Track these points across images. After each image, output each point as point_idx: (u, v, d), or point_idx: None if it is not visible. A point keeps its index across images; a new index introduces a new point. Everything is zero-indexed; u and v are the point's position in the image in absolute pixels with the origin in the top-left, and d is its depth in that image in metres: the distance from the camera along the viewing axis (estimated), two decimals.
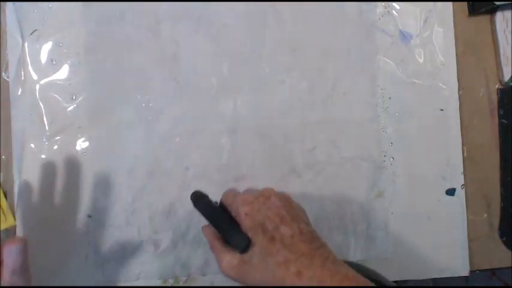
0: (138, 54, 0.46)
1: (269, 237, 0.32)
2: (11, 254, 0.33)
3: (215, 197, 0.47)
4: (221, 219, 0.35)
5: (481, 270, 0.49)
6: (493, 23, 0.49)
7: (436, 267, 0.48)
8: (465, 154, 0.49)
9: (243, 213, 0.33)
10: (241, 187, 0.46)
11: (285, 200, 0.35)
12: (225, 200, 0.37)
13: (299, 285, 0.30)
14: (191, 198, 0.37)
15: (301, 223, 0.33)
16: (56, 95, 0.46)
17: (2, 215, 0.46)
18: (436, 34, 0.48)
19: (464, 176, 0.48)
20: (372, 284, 0.31)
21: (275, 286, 0.31)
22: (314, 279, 0.30)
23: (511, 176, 0.49)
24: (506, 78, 0.49)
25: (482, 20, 0.49)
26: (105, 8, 0.46)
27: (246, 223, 0.33)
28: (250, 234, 0.33)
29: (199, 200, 0.37)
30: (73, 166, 0.46)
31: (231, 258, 0.33)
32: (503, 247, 0.49)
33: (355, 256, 0.48)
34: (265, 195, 0.34)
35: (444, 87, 0.48)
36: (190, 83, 0.47)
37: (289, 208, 0.34)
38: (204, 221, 0.37)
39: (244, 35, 0.47)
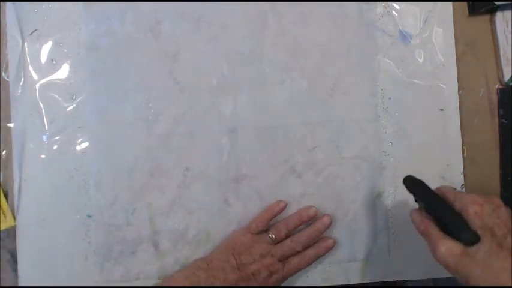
0: (138, 54, 0.46)
1: (497, 242, 0.32)
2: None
3: (214, 197, 0.47)
4: (446, 210, 0.35)
5: None
6: (493, 23, 0.49)
7: (436, 267, 0.48)
8: (465, 154, 0.49)
9: (472, 212, 0.34)
10: (242, 186, 0.46)
11: None
12: (445, 193, 0.37)
13: None
14: (405, 182, 0.38)
15: None
16: (55, 95, 0.46)
17: (2, 215, 0.46)
18: (436, 34, 0.48)
19: (464, 176, 0.48)
20: None
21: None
22: None
23: (511, 176, 0.49)
24: (506, 78, 0.49)
25: (482, 20, 0.49)
26: (105, 7, 0.46)
27: (475, 221, 0.33)
28: (479, 233, 0.33)
29: (418, 185, 0.37)
30: (73, 166, 0.46)
31: (452, 246, 0.33)
32: None
33: (355, 256, 0.48)
34: (495, 203, 0.35)
35: (444, 87, 0.48)
36: (190, 83, 0.47)
37: None
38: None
39: (244, 35, 0.47)
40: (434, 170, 0.48)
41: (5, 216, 0.46)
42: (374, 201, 0.48)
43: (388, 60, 0.48)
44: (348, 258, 0.48)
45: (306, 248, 0.44)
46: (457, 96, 0.48)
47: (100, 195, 0.46)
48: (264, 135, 0.47)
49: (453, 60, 0.49)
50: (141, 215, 0.46)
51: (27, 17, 0.46)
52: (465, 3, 0.49)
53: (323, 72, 0.48)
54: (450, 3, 0.49)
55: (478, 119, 0.49)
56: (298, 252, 0.44)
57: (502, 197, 0.49)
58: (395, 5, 0.48)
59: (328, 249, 0.45)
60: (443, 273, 0.48)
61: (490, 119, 0.49)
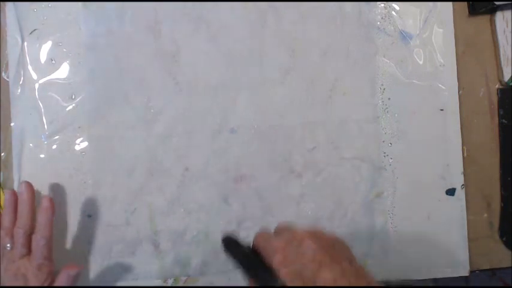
0: (138, 54, 0.46)
1: (310, 285, 0.29)
2: (68, 276, 0.41)
3: (213, 197, 0.47)
4: (255, 269, 0.32)
5: (481, 270, 0.49)
6: (493, 23, 0.49)
7: (436, 267, 0.48)
8: (465, 154, 0.49)
9: (277, 262, 0.31)
10: (242, 187, 0.46)
11: (321, 239, 0.31)
12: (257, 244, 0.34)
13: None
14: (222, 243, 0.34)
15: (343, 262, 0.30)
16: (55, 95, 0.46)
17: None
18: (435, 34, 0.48)
19: (464, 176, 0.48)
20: None
21: None
22: None
23: (511, 176, 0.49)
24: (506, 78, 0.49)
25: (482, 20, 0.49)
26: (105, 7, 0.46)
27: (281, 273, 0.30)
28: (288, 284, 0.30)
29: (231, 246, 0.34)
30: (72, 166, 0.46)
31: None
32: (503, 247, 0.49)
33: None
34: (298, 238, 0.31)
35: (444, 87, 0.48)
36: (189, 82, 0.47)
37: (327, 248, 0.31)
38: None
39: (244, 35, 0.47)
40: (434, 170, 0.48)
41: None
42: (373, 201, 0.48)
43: (388, 61, 0.48)
44: None
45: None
46: (457, 96, 0.48)
47: (99, 195, 0.46)
48: (263, 135, 0.47)
49: (453, 60, 0.48)
50: (141, 215, 0.46)
51: (27, 17, 0.46)
52: (465, 3, 0.49)
53: (323, 72, 0.48)
54: (450, 3, 0.49)
55: (478, 119, 0.49)
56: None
57: (502, 197, 0.49)
58: (395, 5, 0.48)
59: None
60: (443, 273, 0.48)
61: (490, 119, 0.49)
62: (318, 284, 0.29)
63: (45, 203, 0.41)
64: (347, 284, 0.28)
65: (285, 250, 0.31)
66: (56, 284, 0.41)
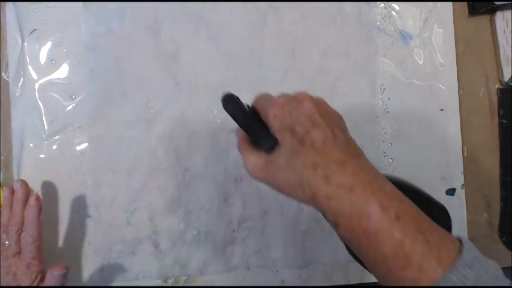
0: (138, 54, 0.46)
1: (298, 140, 0.29)
2: (54, 277, 0.40)
3: (213, 197, 0.46)
4: (249, 122, 0.33)
5: None
6: (493, 23, 0.49)
7: None
8: (465, 154, 0.49)
9: (271, 116, 0.31)
10: (241, 187, 0.46)
11: (320, 104, 0.32)
12: (257, 103, 0.34)
13: (326, 191, 0.28)
14: (222, 101, 0.34)
15: (336, 129, 0.30)
16: (55, 95, 0.46)
17: None
18: (435, 34, 0.48)
19: (464, 176, 0.48)
20: (409, 201, 0.28)
21: (301, 189, 0.29)
22: (343, 187, 0.28)
23: (511, 176, 0.49)
24: (506, 78, 0.49)
25: (482, 20, 0.49)
26: (105, 7, 0.46)
27: (274, 125, 0.31)
28: (277, 136, 0.31)
29: (230, 102, 0.34)
30: (72, 166, 0.46)
31: (256, 158, 0.32)
32: (503, 247, 0.49)
33: None
34: (298, 99, 0.31)
35: (444, 87, 0.48)
36: (189, 83, 0.47)
37: (324, 113, 0.31)
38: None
39: (244, 35, 0.47)
40: (434, 170, 0.48)
41: None
42: None
43: (388, 61, 0.48)
44: (347, 258, 0.48)
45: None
46: (457, 96, 0.48)
47: (99, 195, 0.46)
48: None
49: (453, 60, 0.49)
50: (141, 215, 0.46)
51: (27, 17, 0.46)
52: (465, 3, 0.49)
53: (323, 72, 0.48)
54: (450, 3, 0.49)
55: (478, 119, 0.49)
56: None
57: (502, 197, 0.49)
58: (395, 5, 0.48)
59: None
60: None
61: (490, 119, 0.49)
62: (306, 142, 0.29)
63: (31, 201, 0.41)
64: (335, 148, 0.29)
65: (283, 106, 0.31)
66: (45, 284, 0.40)
